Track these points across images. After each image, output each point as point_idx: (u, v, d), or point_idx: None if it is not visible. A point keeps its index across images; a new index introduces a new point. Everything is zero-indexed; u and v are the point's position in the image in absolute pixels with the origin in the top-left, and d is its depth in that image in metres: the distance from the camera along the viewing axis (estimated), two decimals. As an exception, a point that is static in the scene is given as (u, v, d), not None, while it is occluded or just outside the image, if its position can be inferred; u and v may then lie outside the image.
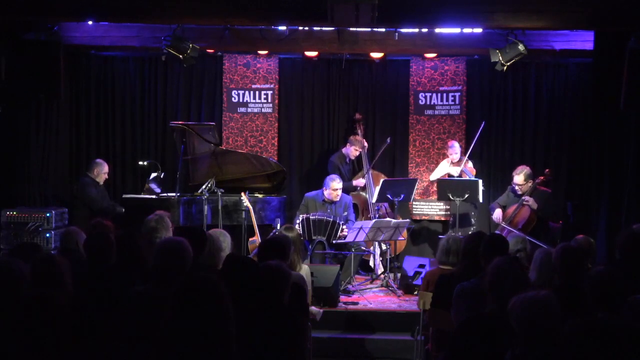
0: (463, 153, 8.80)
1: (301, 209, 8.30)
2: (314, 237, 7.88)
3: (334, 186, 8.11)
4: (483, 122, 8.71)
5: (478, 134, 8.64)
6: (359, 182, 8.82)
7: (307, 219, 7.94)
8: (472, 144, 8.67)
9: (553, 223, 8.14)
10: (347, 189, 8.71)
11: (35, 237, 7.66)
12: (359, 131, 9.01)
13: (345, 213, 8.26)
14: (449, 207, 8.98)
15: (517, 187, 7.98)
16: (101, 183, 8.43)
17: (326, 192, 8.17)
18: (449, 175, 8.79)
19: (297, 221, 8.01)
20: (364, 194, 8.87)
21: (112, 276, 4.31)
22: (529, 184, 7.94)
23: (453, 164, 8.78)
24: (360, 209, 8.89)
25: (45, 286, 3.69)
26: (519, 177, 7.95)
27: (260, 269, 3.82)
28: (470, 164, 8.80)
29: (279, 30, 8.39)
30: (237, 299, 3.11)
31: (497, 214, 8.09)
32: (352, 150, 8.84)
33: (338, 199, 8.19)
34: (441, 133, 9.36)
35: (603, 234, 8.58)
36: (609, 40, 7.80)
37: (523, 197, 7.86)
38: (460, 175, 8.67)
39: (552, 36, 8.45)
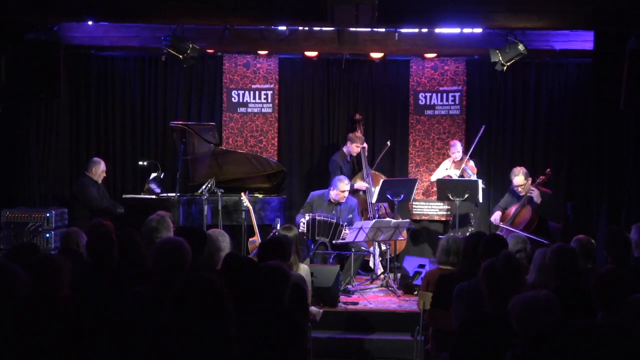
0: (464, 152, 8.80)
1: (305, 207, 8.26)
2: (317, 238, 7.87)
3: (342, 187, 8.05)
4: (483, 126, 8.76)
5: (478, 138, 8.66)
6: (360, 185, 8.79)
7: (314, 219, 7.88)
8: (472, 146, 8.68)
9: (553, 223, 8.13)
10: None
11: (35, 237, 7.66)
12: (359, 131, 9.01)
13: (350, 216, 8.20)
14: (449, 207, 8.99)
15: (519, 189, 7.96)
16: (100, 182, 8.43)
17: (333, 193, 8.12)
18: (449, 176, 8.80)
19: (303, 220, 7.92)
20: (363, 194, 8.86)
21: (113, 276, 4.31)
22: (529, 182, 7.95)
23: (455, 163, 8.79)
24: (360, 209, 8.88)
25: (44, 286, 3.69)
26: (519, 178, 7.94)
27: (260, 269, 3.82)
28: (471, 163, 8.82)
29: (279, 30, 8.39)
30: (237, 299, 3.11)
31: (496, 215, 8.10)
32: (353, 148, 8.83)
33: (344, 201, 8.18)
34: (441, 133, 9.37)
35: (603, 233, 8.56)
36: (609, 40, 7.80)
37: (530, 189, 7.85)
38: (461, 175, 8.68)
39: (552, 36, 8.45)
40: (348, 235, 7.64)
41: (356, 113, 9.27)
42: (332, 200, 8.15)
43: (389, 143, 9.00)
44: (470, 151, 8.68)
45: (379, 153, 9.24)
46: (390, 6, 6.80)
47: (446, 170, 8.85)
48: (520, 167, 8.09)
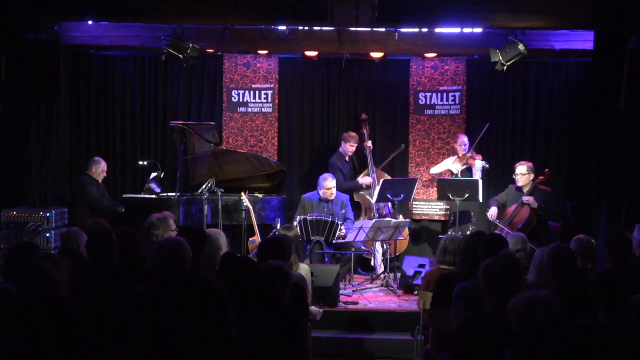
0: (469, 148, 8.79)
1: (298, 211, 8.38)
2: (312, 238, 7.94)
3: (328, 185, 8.21)
4: (488, 124, 8.76)
5: (481, 135, 8.65)
6: (365, 180, 8.79)
7: (305, 219, 8.02)
8: (475, 143, 8.66)
9: (553, 223, 8.13)
10: (354, 188, 8.72)
11: (35, 237, 7.66)
12: (365, 131, 9.00)
13: (343, 211, 8.32)
14: (449, 206, 8.98)
15: (517, 177, 7.95)
16: (100, 181, 8.43)
17: (321, 192, 8.29)
18: (450, 172, 8.80)
19: (295, 222, 8.05)
20: (365, 194, 8.85)
21: (113, 276, 4.31)
22: (531, 178, 7.94)
23: (458, 158, 8.78)
24: (363, 209, 8.89)
25: (44, 286, 3.69)
26: (522, 167, 7.96)
27: (260, 269, 3.81)
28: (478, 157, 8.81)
29: (279, 30, 8.40)
30: (237, 299, 3.11)
31: (493, 211, 8.08)
32: (348, 147, 8.85)
33: (333, 197, 8.26)
34: (441, 133, 9.36)
35: (603, 234, 8.56)
36: (609, 40, 7.81)
37: (523, 197, 7.86)
38: (465, 170, 8.66)
39: (552, 36, 8.45)
40: (348, 235, 7.66)
41: (361, 113, 9.24)
42: (322, 199, 8.30)
43: (403, 145, 9.04)
44: (473, 146, 8.68)
45: (381, 153, 9.24)
46: (390, 6, 6.81)
47: (451, 164, 8.82)
48: (528, 162, 8.12)
